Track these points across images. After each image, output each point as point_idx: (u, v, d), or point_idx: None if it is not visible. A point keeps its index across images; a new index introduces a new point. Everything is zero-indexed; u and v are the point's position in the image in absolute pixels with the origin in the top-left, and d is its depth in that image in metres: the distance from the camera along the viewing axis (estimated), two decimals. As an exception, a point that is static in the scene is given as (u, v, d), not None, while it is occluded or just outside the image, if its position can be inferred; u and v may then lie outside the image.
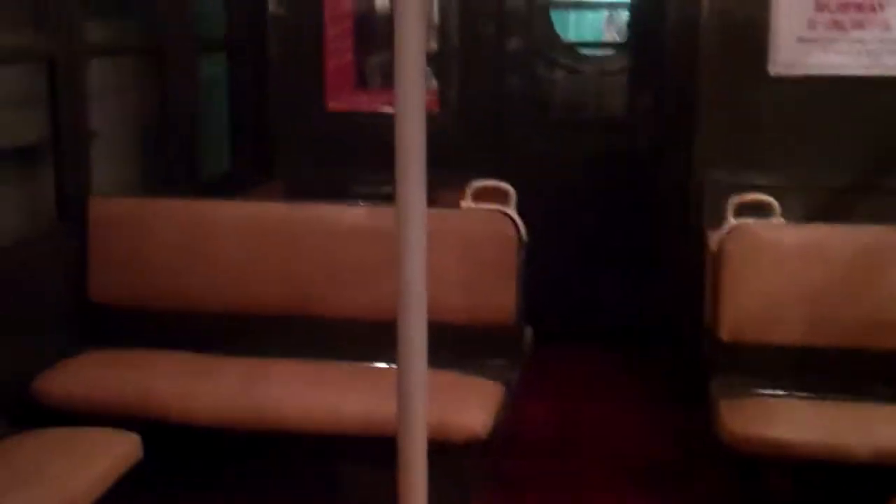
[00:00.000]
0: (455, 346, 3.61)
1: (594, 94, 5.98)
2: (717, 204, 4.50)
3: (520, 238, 3.98)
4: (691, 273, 4.60)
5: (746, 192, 4.43)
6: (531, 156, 5.66)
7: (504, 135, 5.70)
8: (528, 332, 4.24)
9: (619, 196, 5.66)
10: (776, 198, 4.35)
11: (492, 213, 4.02)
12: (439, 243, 3.19)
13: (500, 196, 4.14)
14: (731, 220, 4.02)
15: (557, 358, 5.44)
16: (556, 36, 6.20)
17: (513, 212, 4.06)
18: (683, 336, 4.89)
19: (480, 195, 4.15)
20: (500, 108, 5.72)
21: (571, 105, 6.05)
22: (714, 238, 4.04)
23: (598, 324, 5.77)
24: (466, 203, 4.14)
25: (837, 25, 4.37)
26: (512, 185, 4.16)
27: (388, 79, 5.81)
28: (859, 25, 4.36)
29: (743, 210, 4.06)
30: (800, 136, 4.50)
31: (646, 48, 5.60)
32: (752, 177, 4.51)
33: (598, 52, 6.68)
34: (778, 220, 4.02)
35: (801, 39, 4.39)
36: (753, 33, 4.44)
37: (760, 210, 4.05)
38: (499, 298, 3.99)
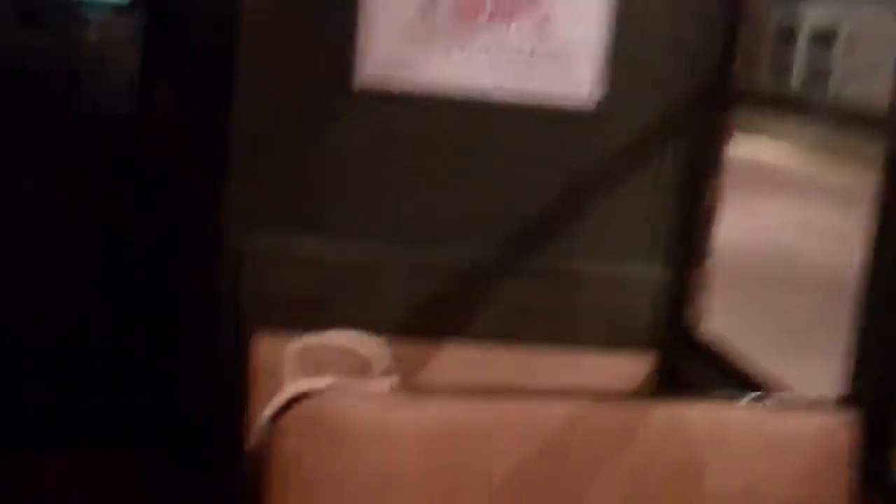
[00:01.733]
0: None
1: (86, 74, 3.89)
2: (264, 290, 2.77)
3: None
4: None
5: (309, 270, 2.79)
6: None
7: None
8: None
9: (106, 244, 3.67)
10: (359, 280, 2.85)
11: None
12: None
13: None
14: (290, 382, 2.22)
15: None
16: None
17: None
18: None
19: None
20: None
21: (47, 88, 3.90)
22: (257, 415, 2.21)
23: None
24: None
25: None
26: None
27: None
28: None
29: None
30: (399, 182, 2.83)
31: (165, 11, 3.65)
32: (323, 247, 2.79)
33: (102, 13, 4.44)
34: (381, 378, 2.29)
35: (408, 31, 2.70)
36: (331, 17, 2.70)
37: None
38: None
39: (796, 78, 29.77)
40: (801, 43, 29.63)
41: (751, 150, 16.30)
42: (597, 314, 2.98)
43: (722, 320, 3.30)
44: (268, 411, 2.23)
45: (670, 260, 2.99)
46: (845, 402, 2.31)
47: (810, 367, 5.29)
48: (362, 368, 2.27)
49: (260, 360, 2.76)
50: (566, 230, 2.95)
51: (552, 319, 2.96)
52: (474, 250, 2.90)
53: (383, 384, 2.19)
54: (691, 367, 3.00)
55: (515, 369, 2.87)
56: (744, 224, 11.14)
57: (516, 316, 2.92)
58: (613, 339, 2.99)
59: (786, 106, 25.27)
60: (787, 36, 29.42)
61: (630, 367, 3.00)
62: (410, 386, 2.23)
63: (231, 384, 2.81)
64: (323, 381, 2.17)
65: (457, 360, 2.89)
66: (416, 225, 2.86)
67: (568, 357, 2.97)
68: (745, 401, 2.38)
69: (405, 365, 2.84)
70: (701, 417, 2.25)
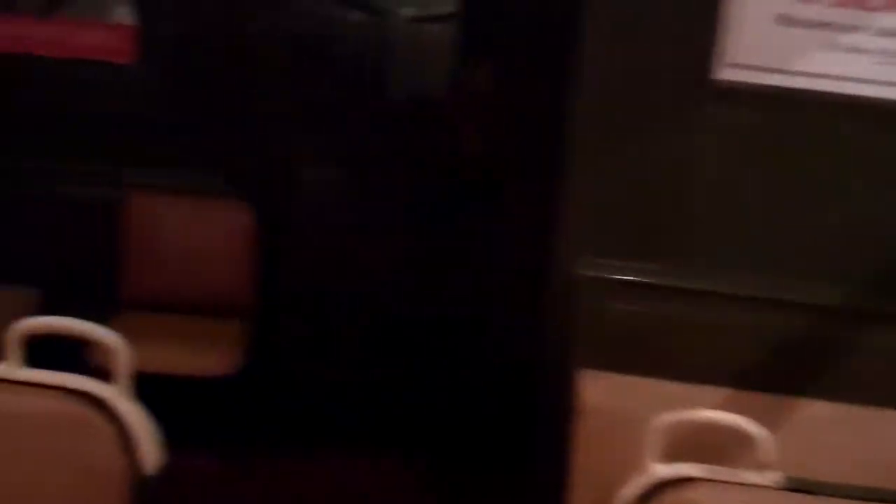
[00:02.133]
0: None
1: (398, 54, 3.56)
2: (595, 322, 2.40)
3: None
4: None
5: (648, 302, 2.38)
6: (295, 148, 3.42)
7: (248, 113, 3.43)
8: None
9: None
10: (705, 317, 2.40)
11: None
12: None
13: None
14: (654, 467, 1.84)
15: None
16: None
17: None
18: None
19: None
20: (246, 63, 3.41)
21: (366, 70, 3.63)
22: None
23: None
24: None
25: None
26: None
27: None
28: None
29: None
30: (761, 200, 2.36)
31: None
32: (666, 276, 2.38)
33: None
34: (762, 468, 1.85)
35: (782, 19, 2.20)
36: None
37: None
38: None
39: None
40: None
41: None
42: None
43: None
44: (630, 492, 1.87)
45: None
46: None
47: None
48: (738, 449, 1.84)
49: (586, 400, 2.41)
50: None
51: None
52: (847, 288, 2.41)
53: (765, 477, 1.77)
54: None
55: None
56: None
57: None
58: None
59: None
60: None
61: None
62: (797, 480, 1.79)
63: (553, 421, 2.48)
64: (695, 468, 1.78)
65: (817, 419, 2.42)
66: (779, 254, 2.40)
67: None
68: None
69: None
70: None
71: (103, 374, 1.96)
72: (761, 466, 1.79)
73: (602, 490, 2.40)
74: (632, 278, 2.39)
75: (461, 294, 3.32)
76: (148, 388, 2.09)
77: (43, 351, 1.98)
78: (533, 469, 2.50)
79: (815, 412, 2.37)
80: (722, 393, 2.39)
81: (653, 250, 2.40)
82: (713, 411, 1.92)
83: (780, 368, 2.41)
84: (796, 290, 2.38)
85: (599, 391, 2.40)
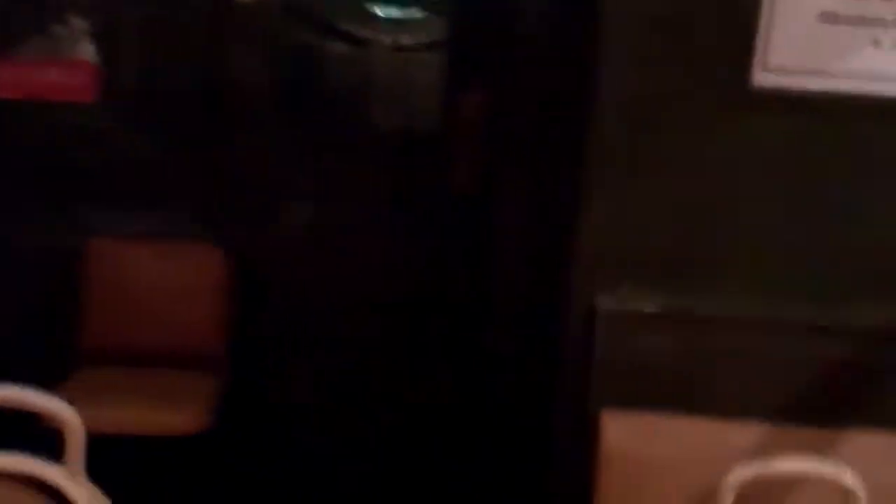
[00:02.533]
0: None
1: (385, 87, 3.34)
2: (616, 357, 2.16)
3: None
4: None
5: (674, 334, 2.14)
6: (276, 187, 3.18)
7: (219, 149, 3.19)
8: None
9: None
10: (736, 348, 2.16)
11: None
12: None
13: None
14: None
15: None
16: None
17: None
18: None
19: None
20: (221, 99, 3.19)
21: (349, 103, 3.39)
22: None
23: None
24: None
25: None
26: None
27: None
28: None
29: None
30: (798, 216, 2.15)
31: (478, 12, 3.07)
32: (693, 305, 2.15)
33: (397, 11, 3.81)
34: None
35: (825, 17, 2.01)
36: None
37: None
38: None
39: None
40: None
41: None
42: None
43: None
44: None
45: None
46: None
47: None
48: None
49: (609, 443, 2.16)
50: None
51: None
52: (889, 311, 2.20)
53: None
54: None
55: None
56: None
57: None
58: None
59: None
60: None
61: None
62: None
63: (573, 466, 2.23)
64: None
65: (869, 452, 2.19)
66: (815, 275, 2.18)
67: None
68: None
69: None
70: None
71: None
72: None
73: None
74: (658, 310, 2.17)
75: (463, 336, 3.08)
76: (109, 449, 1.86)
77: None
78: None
79: (866, 445, 2.15)
80: (758, 430, 2.15)
81: (684, 276, 2.18)
82: (797, 460, 1.67)
83: (823, 398, 2.18)
84: (838, 312, 2.17)
85: (623, 433, 2.15)
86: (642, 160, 2.14)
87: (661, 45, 2.07)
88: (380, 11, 3.35)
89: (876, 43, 1.98)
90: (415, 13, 3.24)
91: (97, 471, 1.85)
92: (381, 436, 3.31)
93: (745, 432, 2.14)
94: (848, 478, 1.57)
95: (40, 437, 1.85)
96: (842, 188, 2.10)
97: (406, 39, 3.20)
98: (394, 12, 3.27)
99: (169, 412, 2.94)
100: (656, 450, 2.14)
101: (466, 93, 3.04)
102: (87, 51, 3.30)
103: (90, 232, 3.21)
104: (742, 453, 2.13)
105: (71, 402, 1.76)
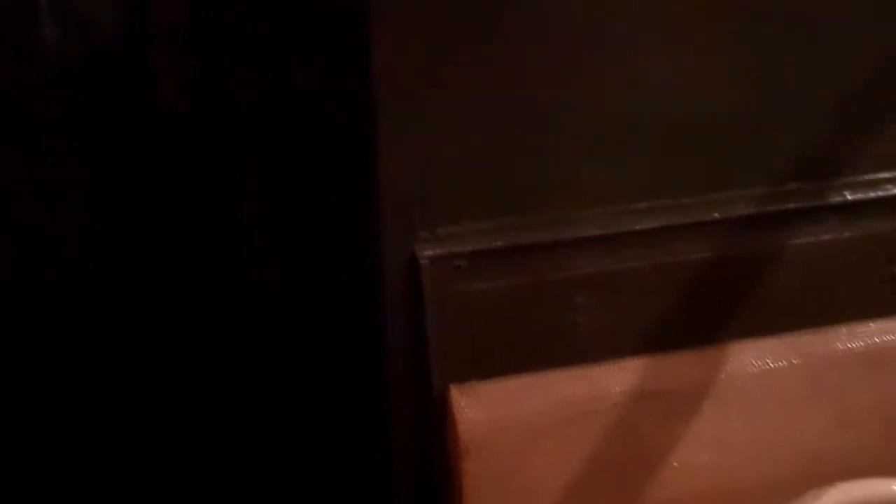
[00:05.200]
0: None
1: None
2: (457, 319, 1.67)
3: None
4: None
5: (502, 271, 1.70)
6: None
7: None
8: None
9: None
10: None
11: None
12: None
13: None
14: None
15: None
16: None
17: None
18: None
19: None
20: None
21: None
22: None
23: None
24: None
25: None
26: None
27: None
28: None
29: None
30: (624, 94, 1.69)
31: None
32: (530, 230, 1.70)
33: None
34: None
35: None
36: None
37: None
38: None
39: None
40: None
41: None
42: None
43: None
44: None
45: None
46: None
47: None
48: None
49: (464, 421, 1.69)
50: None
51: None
52: (754, 190, 1.82)
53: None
54: None
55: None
56: None
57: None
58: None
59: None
60: None
61: None
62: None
63: (420, 459, 1.75)
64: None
65: (753, 362, 1.85)
66: (660, 170, 1.77)
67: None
68: None
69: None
70: None
71: None
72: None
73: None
74: (485, 246, 1.68)
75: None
76: None
77: None
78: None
79: (754, 353, 1.81)
80: (637, 365, 1.76)
81: (503, 203, 1.69)
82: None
83: (699, 310, 1.81)
84: (692, 209, 1.78)
85: (479, 406, 1.69)
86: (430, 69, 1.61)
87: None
88: None
89: None
90: None
91: None
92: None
93: (623, 371, 1.74)
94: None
95: None
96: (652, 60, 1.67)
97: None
98: None
99: None
100: (523, 418, 1.70)
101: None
102: None
103: None
104: (624, 396, 1.75)
105: None
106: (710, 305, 1.82)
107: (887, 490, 1.22)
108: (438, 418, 1.69)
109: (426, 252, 1.66)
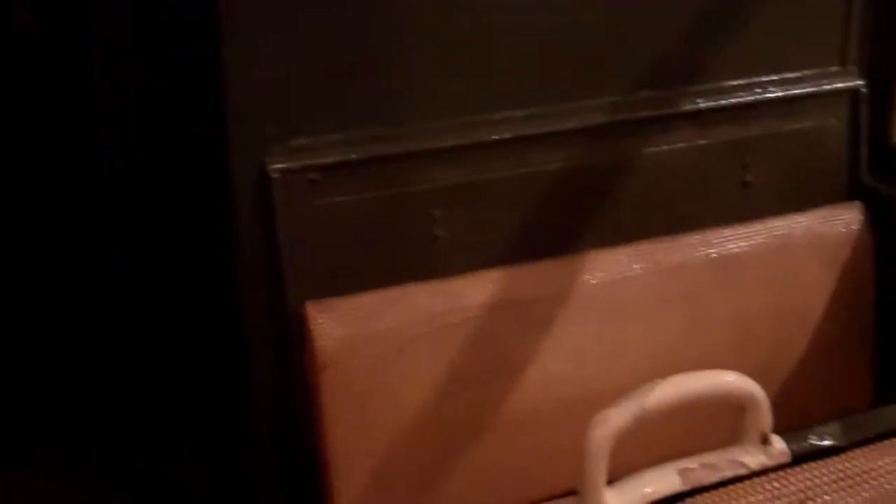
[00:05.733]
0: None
1: None
2: (311, 233, 1.64)
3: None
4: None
5: (352, 185, 1.68)
6: None
7: None
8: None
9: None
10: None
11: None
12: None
13: None
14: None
15: None
16: None
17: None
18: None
19: None
20: None
21: None
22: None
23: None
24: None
25: None
26: None
27: None
28: None
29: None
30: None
31: None
32: (391, 144, 1.66)
33: None
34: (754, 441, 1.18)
35: None
36: None
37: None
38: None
39: None
40: None
41: None
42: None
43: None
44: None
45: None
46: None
47: None
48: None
49: (322, 339, 1.67)
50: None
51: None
52: (602, 107, 1.82)
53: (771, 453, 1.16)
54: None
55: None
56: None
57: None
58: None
59: None
60: None
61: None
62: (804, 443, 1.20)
63: (277, 380, 1.72)
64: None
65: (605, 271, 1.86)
66: (512, 82, 1.73)
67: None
68: None
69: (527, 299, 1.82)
70: None
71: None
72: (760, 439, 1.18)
73: (377, 454, 1.72)
74: (340, 159, 1.65)
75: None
76: None
77: None
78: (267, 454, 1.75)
79: (608, 262, 1.82)
80: (496, 277, 1.76)
81: (358, 116, 1.66)
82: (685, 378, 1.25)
83: (552, 223, 1.81)
84: (548, 119, 1.77)
85: (337, 323, 1.67)
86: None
87: None
88: None
89: None
90: None
91: None
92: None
93: (482, 283, 1.74)
94: (746, 384, 1.20)
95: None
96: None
97: None
98: None
99: None
100: (382, 333, 1.68)
101: None
102: None
103: None
104: (484, 308, 1.75)
105: None
106: (567, 215, 1.82)
107: (720, 381, 1.24)
108: (297, 335, 1.67)
109: (278, 165, 1.62)
